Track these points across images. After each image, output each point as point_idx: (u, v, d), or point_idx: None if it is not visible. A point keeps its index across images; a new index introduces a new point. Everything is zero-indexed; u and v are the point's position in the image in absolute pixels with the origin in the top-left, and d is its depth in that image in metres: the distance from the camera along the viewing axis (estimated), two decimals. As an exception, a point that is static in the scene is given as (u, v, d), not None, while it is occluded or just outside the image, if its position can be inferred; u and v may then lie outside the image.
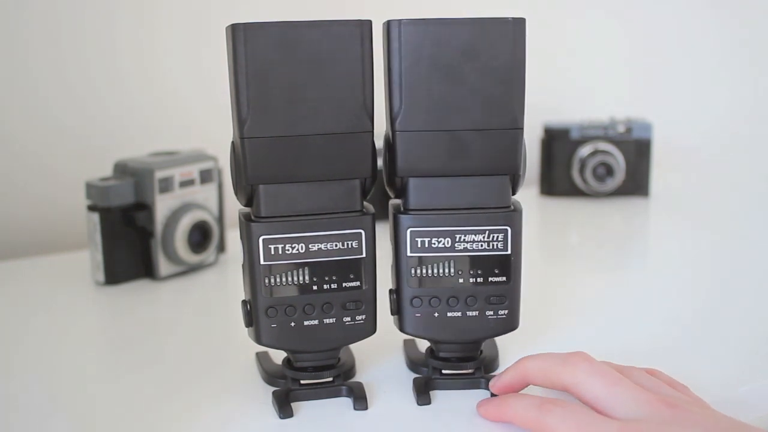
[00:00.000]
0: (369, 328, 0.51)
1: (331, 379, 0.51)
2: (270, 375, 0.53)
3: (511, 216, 0.50)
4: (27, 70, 0.89)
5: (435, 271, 0.50)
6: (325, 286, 0.49)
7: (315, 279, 0.49)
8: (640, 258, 0.91)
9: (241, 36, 0.45)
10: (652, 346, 0.60)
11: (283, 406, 0.49)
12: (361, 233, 0.49)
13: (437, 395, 0.51)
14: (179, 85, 0.97)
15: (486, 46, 0.47)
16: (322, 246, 0.49)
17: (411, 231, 0.50)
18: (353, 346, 0.54)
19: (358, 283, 0.50)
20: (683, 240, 0.92)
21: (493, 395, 0.50)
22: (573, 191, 1.08)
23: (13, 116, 0.89)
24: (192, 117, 0.97)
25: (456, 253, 0.50)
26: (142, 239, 0.75)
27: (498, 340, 0.57)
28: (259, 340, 0.50)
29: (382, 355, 0.56)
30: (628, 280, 0.79)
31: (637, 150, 1.06)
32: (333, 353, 0.51)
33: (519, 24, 0.48)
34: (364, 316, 0.50)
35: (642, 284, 0.77)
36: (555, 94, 1.20)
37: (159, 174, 0.74)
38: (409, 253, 0.50)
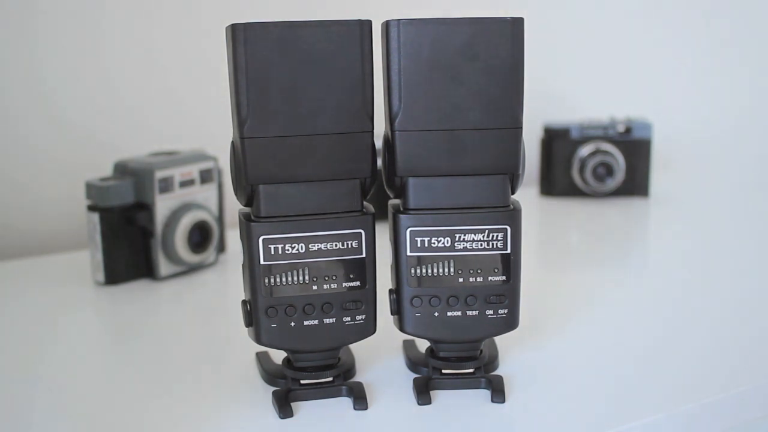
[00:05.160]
0: (369, 328, 0.51)
1: (331, 379, 0.51)
2: (270, 375, 0.53)
3: (511, 215, 0.50)
4: (26, 71, 0.89)
5: (435, 270, 0.50)
6: (325, 286, 0.49)
7: (315, 279, 0.49)
8: (639, 258, 0.91)
9: (241, 36, 0.45)
10: (651, 345, 0.60)
11: (283, 406, 0.49)
12: (361, 233, 0.49)
13: (437, 395, 0.51)
14: (179, 85, 0.97)
15: (485, 46, 0.47)
16: (322, 246, 0.49)
17: (410, 231, 0.50)
18: (353, 346, 0.54)
19: (358, 283, 0.50)
20: (683, 240, 0.92)
21: (494, 393, 0.50)
22: (573, 191, 1.08)
23: (13, 116, 0.89)
24: (192, 117, 0.97)
25: (456, 253, 0.50)
26: (142, 239, 0.75)
27: (498, 339, 0.57)
28: (259, 340, 0.50)
29: (382, 355, 0.56)
30: (627, 279, 0.79)
31: (637, 150, 1.06)
32: (333, 353, 0.51)
33: (518, 24, 0.48)
34: (364, 316, 0.50)
35: (642, 284, 0.77)
36: (555, 94, 1.20)
37: (159, 174, 0.74)
38: (408, 253, 0.50)
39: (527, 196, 1.07)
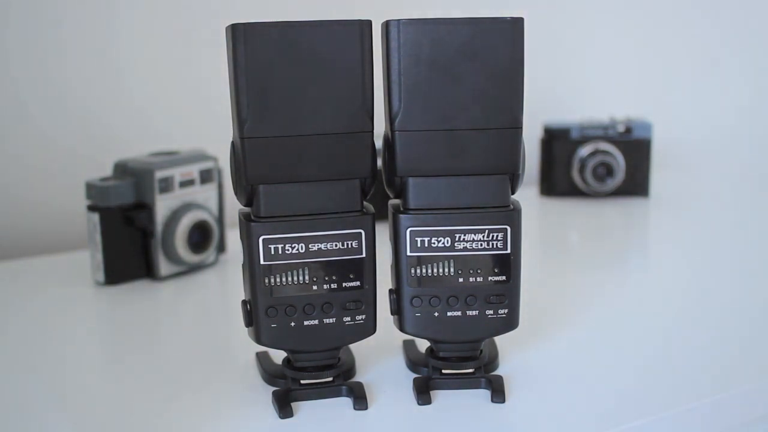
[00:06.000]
0: (369, 328, 0.51)
1: (331, 379, 0.51)
2: (270, 375, 0.53)
3: (511, 215, 0.50)
4: (26, 70, 0.89)
5: (435, 270, 0.50)
6: (325, 286, 0.49)
7: (315, 279, 0.49)
8: (639, 258, 0.91)
9: (241, 36, 0.45)
10: (651, 345, 0.60)
11: (283, 406, 0.49)
12: (361, 233, 0.49)
13: (437, 395, 0.51)
14: (179, 85, 0.97)
15: (485, 46, 0.47)
16: (322, 246, 0.49)
17: (410, 231, 0.50)
18: (353, 346, 0.54)
19: (358, 283, 0.50)
20: (683, 240, 0.92)
21: (494, 393, 0.50)
22: (573, 191, 1.08)
23: (13, 116, 0.89)
24: (192, 117, 0.97)
25: (456, 253, 0.50)
26: (142, 239, 0.75)
27: (498, 339, 0.57)
28: (259, 340, 0.50)
29: (382, 355, 0.56)
30: (627, 279, 0.79)
31: (637, 150, 1.06)
32: (333, 353, 0.51)
33: (518, 24, 0.48)
34: (364, 316, 0.50)
35: (642, 284, 0.77)
36: (555, 94, 1.20)
37: (159, 174, 0.74)
38: (408, 253, 0.50)
39: (527, 196, 1.07)
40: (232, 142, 0.49)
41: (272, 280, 0.48)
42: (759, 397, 0.54)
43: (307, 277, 0.49)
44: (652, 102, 1.27)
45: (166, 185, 0.74)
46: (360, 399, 0.50)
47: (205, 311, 0.72)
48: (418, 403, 0.50)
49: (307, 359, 0.51)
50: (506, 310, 0.51)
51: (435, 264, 0.50)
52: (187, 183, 0.76)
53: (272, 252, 0.48)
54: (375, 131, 0.49)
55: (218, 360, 0.58)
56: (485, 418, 0.49)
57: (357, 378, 0.53)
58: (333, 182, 0.49)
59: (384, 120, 0.50)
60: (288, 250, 0.48)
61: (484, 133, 0.49)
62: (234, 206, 0.55)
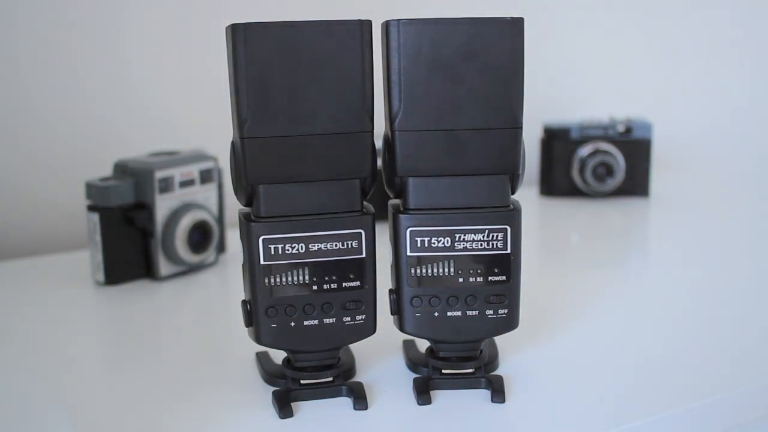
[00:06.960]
0: (369, 328, 0.51)
1: (331, 379, 0.51)
2: (270, 375, 0.53)
3: (511, 215, 0.50)
4: (27, 70, 0.89)
5: (435, 270, 0.50)
6: (325, 286, 0.49)
7: (315, 279, 0.49)
8: (639, 258, 0.91)
9: (241, 36, 0.45)
10: (651, 345, 0.60)
11: (283, 406, 0.49)
12: (361, 233, 0.49)
13: (437, 395, 0.51)
14: (179, 85, 0.97)
15: (485, 46, 0.47)
16: (322, 246, 0.49)
17: (410, 231, 0.50)
18: (353, 346, 0.54)
19: (358, 283, 0.50)
20: (683, 240, 0.92)
21: (494, 393, 0.50)
22: (573, 191, 1.07)
23: (13, 116, 0.89)
24: (192, 117, 0.97)
25: (456, 253, 0.50)
26: (142, 239, 0.75)
27: (498, 339, 0.57)
28: (259, 340, 0.50)
29: (382, 355, 0.56)
30: (627, 279, 0.79)
31: (637, 150, 1.06)
32: (333, 353, 0.51)
33: (517, 24, 0.48)
34: (364, 316, 0.50)
35: (642, 284, 0.77)
36: (555, 94, 1.20)
37: (159, 174, 0.74)
38: (408, 253, 0.50)
39: (527, 196, 1.07)
40: (232, 142, 0.49)
41: (272, 280, 0.48)
42: (759, 398, 0.54)
43: (307, 277, 0.49)
44: (652, 102, 1.27)
45: (166, 185, 0.74)
46: (360, 399, 0.50)
47: (205, 311, 0.72)
48: (418, 403, 0.50)
49: (307, 359, 0.51)
50: (506, 310, 0.51)
51: (435, 264, 0.50)
52: (187, 183, 0.76)
53: (272, 252, 0.48)
54: (375, 131, 0.49)
55: (218, 360, 0.58)
56: (485, 418, 0.49)
57: (357, 378, 0.53)
58: (333, 182, 0.49)
59: (384, 120, 0.50)
60: (288, 250, 0.48)
61: (483, 133, 0.49)
62: (234, 206, 0.55)
